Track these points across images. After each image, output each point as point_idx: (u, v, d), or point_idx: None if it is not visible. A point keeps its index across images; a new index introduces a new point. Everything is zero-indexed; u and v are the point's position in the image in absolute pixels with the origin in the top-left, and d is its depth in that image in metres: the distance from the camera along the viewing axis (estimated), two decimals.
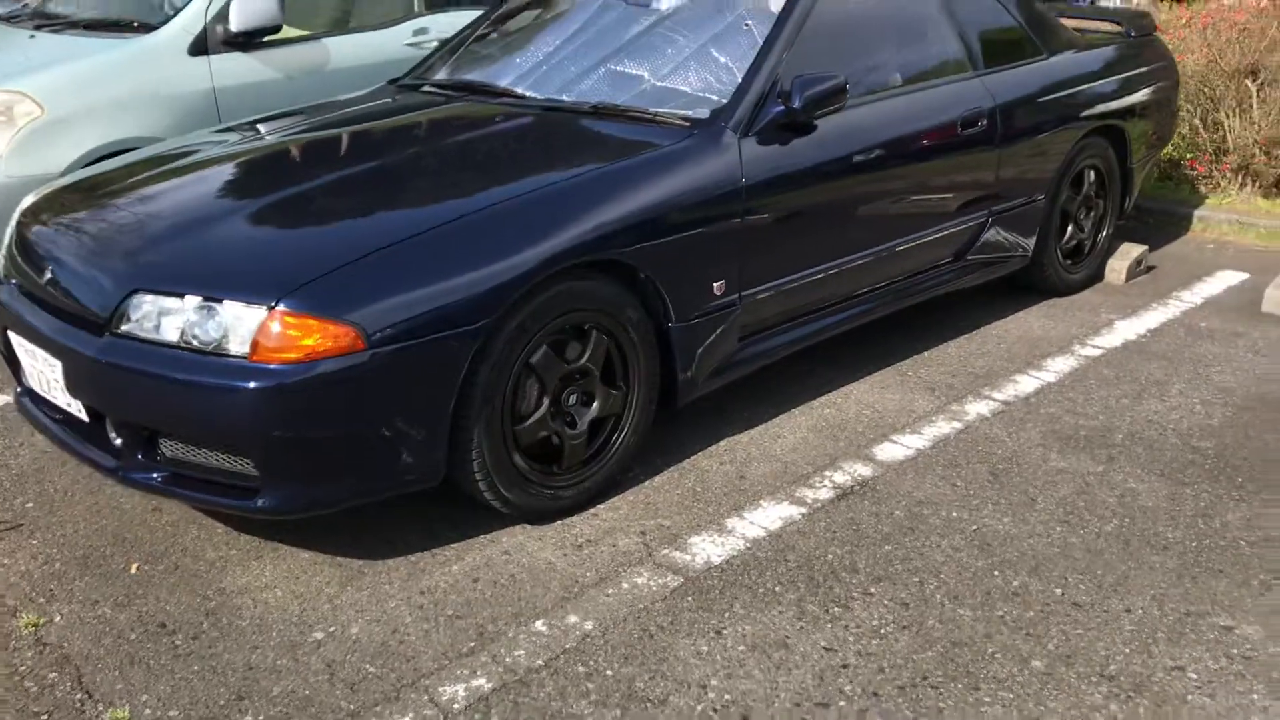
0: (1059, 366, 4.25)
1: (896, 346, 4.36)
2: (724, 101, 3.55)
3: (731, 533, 3.13)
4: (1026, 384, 4.09)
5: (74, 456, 3.10)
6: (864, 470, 3.47)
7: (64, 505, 3.31)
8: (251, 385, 2.63)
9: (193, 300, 2.73)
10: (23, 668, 2.62)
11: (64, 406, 3.03)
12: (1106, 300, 4.97)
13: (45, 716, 2.45)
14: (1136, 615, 2.77)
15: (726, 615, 2.77)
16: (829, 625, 2.73)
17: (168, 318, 2.75)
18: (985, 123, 4.25)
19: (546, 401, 3.08)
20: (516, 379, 2.99)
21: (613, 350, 3.21)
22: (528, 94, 3.84)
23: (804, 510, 3.24)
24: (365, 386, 2.71)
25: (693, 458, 3.55)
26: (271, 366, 2.63)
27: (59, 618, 2.80)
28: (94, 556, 3.05)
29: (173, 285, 2.77)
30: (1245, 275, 5.30)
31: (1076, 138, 4.73)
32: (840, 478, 3.42)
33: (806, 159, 3.61)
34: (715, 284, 3.40)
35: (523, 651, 2.65)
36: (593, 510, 3.25)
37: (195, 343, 2.70)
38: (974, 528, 3.15)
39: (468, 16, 5.48)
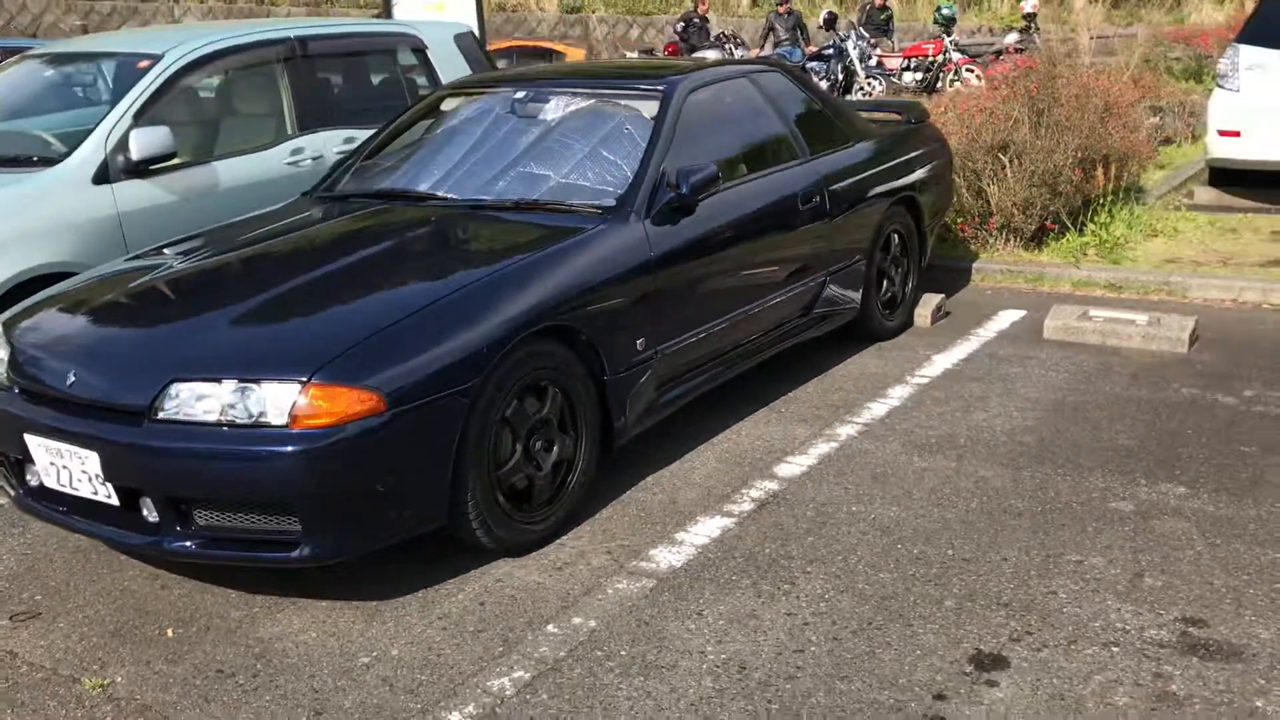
0: (899, 394, 5.09)
1: (765, 390, 5.10)
2: (622, 191, 4.24)
3: (682, 544, 3.74)
4: (878, 409, 4.91)
5: (96, 538, 3.44)
6: (771, 485, 4.16)
7: (72, 593, 3.59)
8: (294, 449, 3.09)
9: (230, 383, 3.17)
10: (110, 716, 2.94)
11: (88, 496, 3.37)
12: (920, 340, 5.90)
13: None
14: (1011, 562, 3.54)
15: (700, 601, 3.38)
16: (784, 598, 3.38)
17: (206, 400, 3.17)
18: (818, 199, 5.11)
19: (519, 449, 3.63)
20: (496, 430, 3.53)
21: (564, 403, 3.80)
22: (450, 196, 4.43)
23: (734, 520, 3.89)
24: (386, 442, 3.21)
25: (629, 492, 4.15)
26: (310, 431, 3.10)
27: (120, 678, 3.12)
28: (125, 629, 3.37)
29: (209, 373, 3.20)
30: (1023, 312, 6.36)
31: (884, 208, 5.67)
32: (755, 493, 4.10)
33: (694, 234, 4.34)
34: (637, 341, 4.05)
35: (545, 648, 3.17)
36: (559, 540, 3.80)
37: (237, 419, 3.14)
38: (871, 516, 3.88)
39: (337, 135, 6.04)
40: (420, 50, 6.77)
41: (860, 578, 3.48)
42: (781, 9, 19.60)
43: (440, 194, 4.46)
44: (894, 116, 6.50)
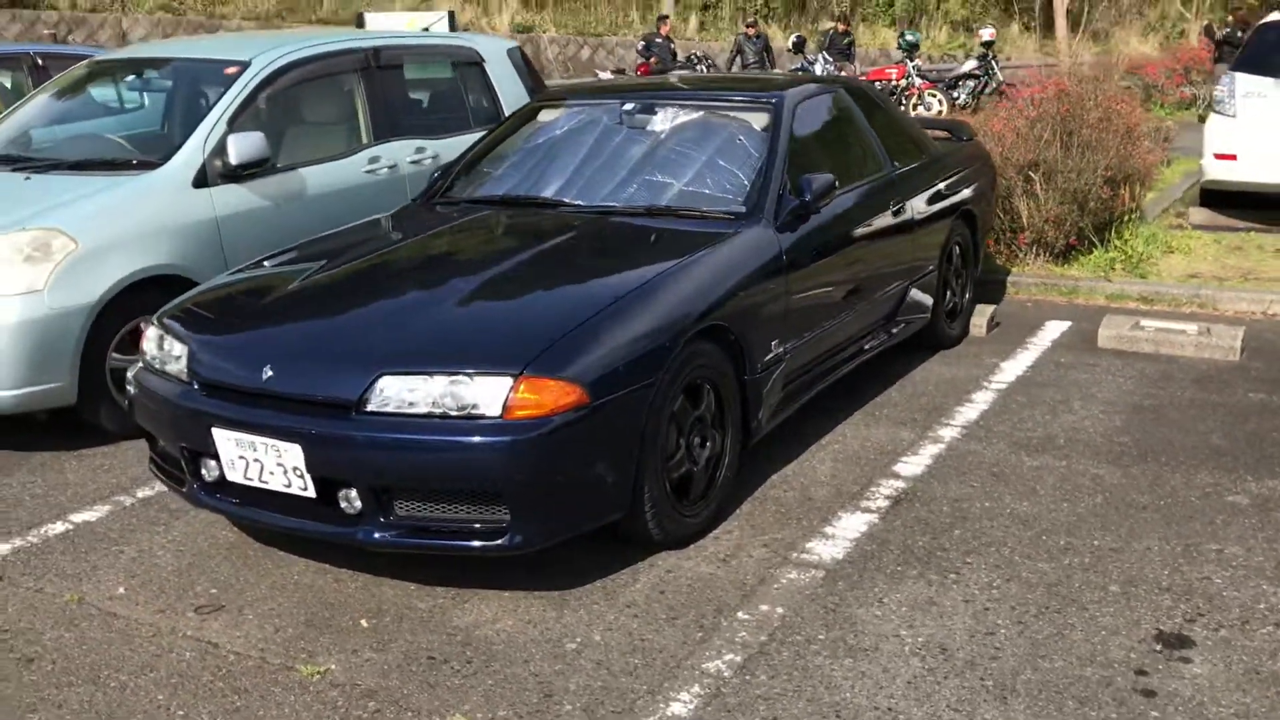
0: (983, 398, 5.29)
1: (853, 395, 5.27)
2: (752, 198, 4.39)
3: (834, 537, 3.88)
4: (970, 412, 5.10)
5: (281, 529, 3.50)
6: (898, 484, 4.32)
7: (245, 587, 3.62)
8: (509, 440, 3.18)
9: (441, 378, 3.25)
10: (340, 701, 3.00)
11: (279, 488, 3.42)
12: (980, 349, 6.11)
13: None
14: (1156, 551, 3.74)
15: (876, 590, 3.52)
16: (954, 586, 3.54)
17: (416, 393, 3.26)
18: (904, 209, 5.31)
19: (683, 444, 3.75)
20: (666, 425, 3.65)
21: (714, 401, 3.93)
22: (578, 202, 4.54)
23: (876, 516, 4.04)
24: (587, 434, 3.31)
25: (760, 489, 4.28)
26: (522, 422, 3.20)
27: (334, 665, 3.17)
28: (317, 620, 3.42)
29: (419, 367, 3.28)
30: (1069, 323, 6.62)
31: (950, 220, 5.89)
32: (885, 490, 4.26)
33: (813, 239, 4.50)
34: (772, 341, 4.20)
35: (744, 633, 3.29)
36: (712, 534, 3.92)
37: (450, 411, 3.22)
38: (1006, 511, 4.06)
39: (409, 145, 6.13)
40: (478, 64, 6.87)
41: (1020, 567, 3.64)
42: (750, 31, 19.99)
43: (568, 200, 4.57)
44: (943, 134, 6.74)
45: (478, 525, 3.31)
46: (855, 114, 5.40)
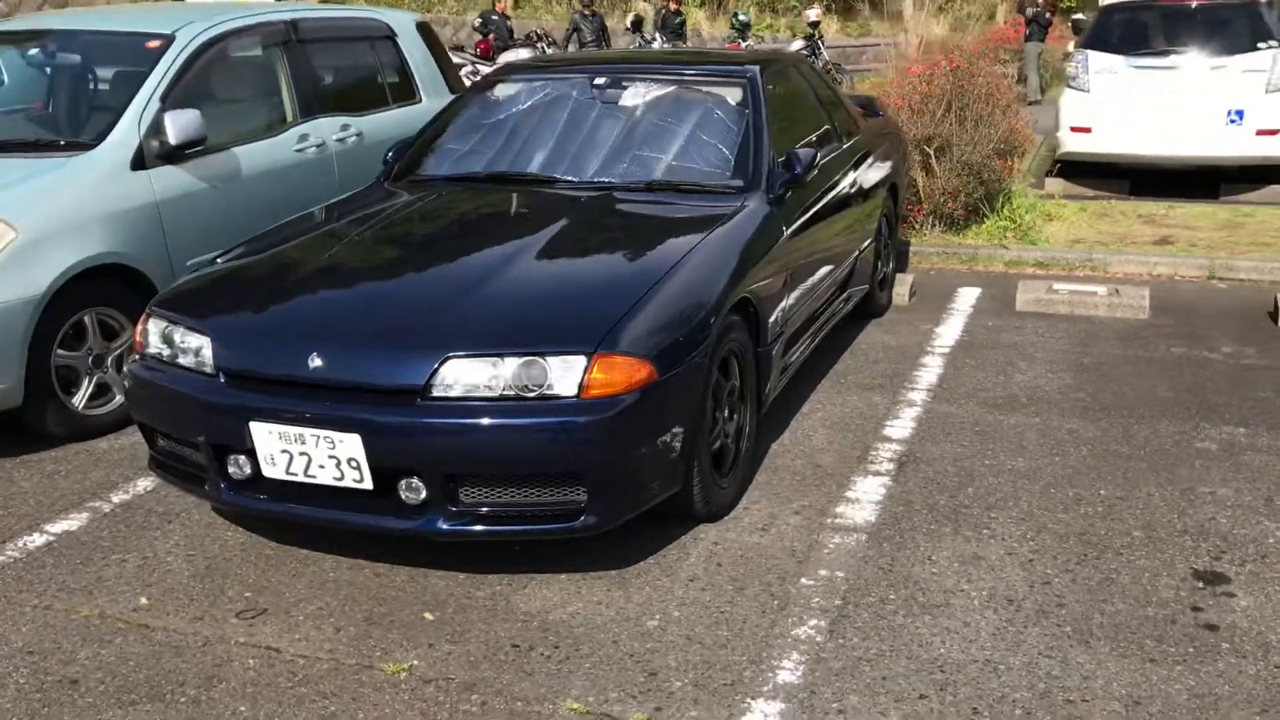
0: (934, 363, 5.49)
1: (814, 367, 5.37)
2: (746, 173, 4.41)
3: (859, 501, 3.97)
4: (928, 376, 5.29)
5: (330, 524, 3.35)
6: (895, 447, 4.45)
7: (284, 588, 3.44)
8: (587, 419, 3.12)
9: (511, 360, 3.16)
10: (440, 697, 2.89)
11: (328, 482, 3.25)
12: (911, 317, 6.33)
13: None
14: (1157, 497, 3.98)
15: (921, 549, 3.62)
16: (991, 540, 3.68)
17: (486, 377, 3.15)
18: (856, 181, 5.44)
19: (719, 416, 3.76)
20: (709, 398, 3.65)
21: (739, 373, 3.95)
22: (569, 178, 4.46)
23: (889, 478, 4.15)
24: (655, 409, 3.28)
25: (767, 459, 4.33)
26: (598, 401, 3.14)
27: (416, 661, 3.05)
28: (376, 617, 3.27)
29: (488, 349, 3.18)
30: (979, 289, 6.92)
31: (883, 192, 6.07)
32: (885, 454, 4.37)
33: (799, 211, 4.56)
34: (777, 311, 4.24)
35: (818, 598, 3.33)
36: (742, 505, 3.94)
37: (524, 393, 3.14)
38: (1007, 468, 4.24)
39: (335, 122, 5.89)
40: (390, 38, 6.64)
41: (1042, 519, 3.82)
42: (586, 11, 19.93)
43: (562, 176, 4.48)
44: (857, 109, 6.91)
45: (553, 508, 3.23)
46: (807, 88, 5.49)
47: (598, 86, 4.88)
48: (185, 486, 3.60)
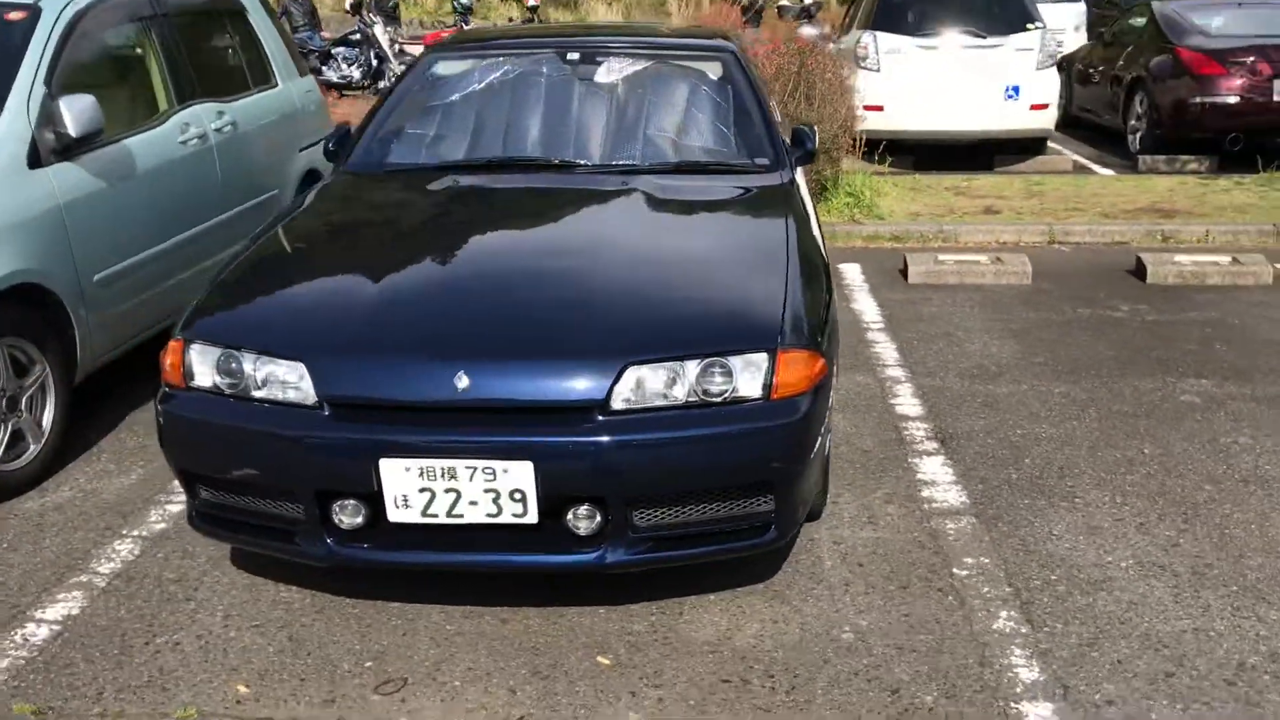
0: (881, 338, 5.49)
1: None
2: (759, 151, 4.19)
3: (936, 484, 3.88)
4: (886, 353, 5.27)
5: (485, 569, 2.89)
6: (922, 425, 4.38)
7: (409, 650, 2.92)
8: (777, 423, 2.83)
9: (692, 362, 2.81)
10: None
11: (480, 520, 2.78)
12: None
13: None
14: (1194, 451, 4.12)
15: (1036, 527, 3.57)
16: (1090, 509, 3.68)
17: (667, 384, 2.79)
18: None
19: None
20: None
21: None
22: (582, 161, 4.07)
23: (944, 457, 4.08)
24: (826, 404, 3.04)
25: None
26: (785, 402, 2.85)
27: (634, 714, 2.66)
28: (551, 669, 2.85)
29: (668, 352, 2.81)
30: (856, 264, 7.00)
31: None
32: (918, 432, 4.30)
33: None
34: None
35: (987, 589, 3.20)
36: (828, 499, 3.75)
37: (710, 399, 2.80)
38: (1041, 435, 4.27)
39: (210, 110, 5.16)
40: (241, 14, 5.87)
41: (1117, 483, 3.86)
42: None
43: (575, 160, 4.07)
44: None
45: (738, 523, 2.91)
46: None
47: (571, 63, 4.49)
48: (260, 544, 2.99)
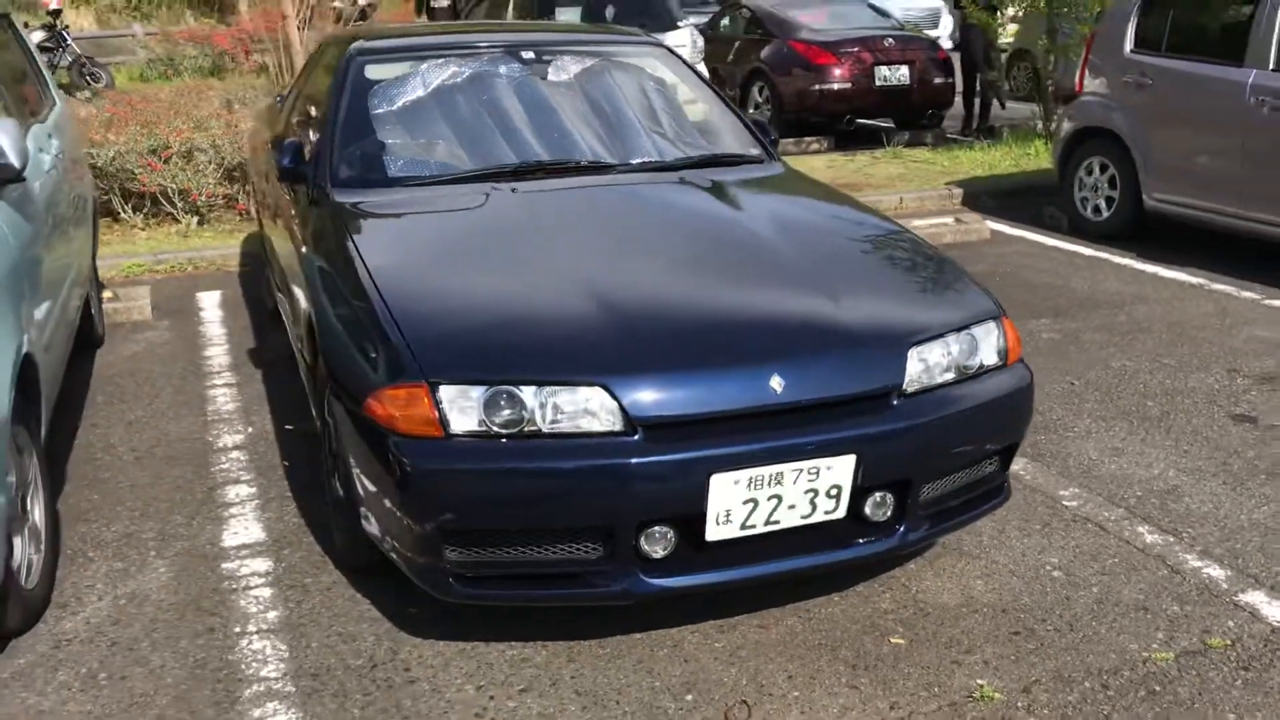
0: None
1: None
2: (758, 138, 4.38)
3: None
4: None
5: (794, 574, 2.88)
6: None
7: (704, 670, 2.79)
8: (1022, 386, 3.11)
9: (952, 336, 2.96)
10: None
11: (798, 522, 2.75)
12: None
13: None
14: (1210, 378, 4.71)
15: (1132, 454, 4.05)
16: (1147, 448, 4.20)
17: (941, 359, 2.93)
18: None
19: None
20: None
21: None
22: (609, 160, 3.97)
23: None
24: None
25: None
26: (1017, 365, 3.15)
27: (982, 680, 2.76)
28: (854, 658, 2.85)
29: (937, 332, 2.95)
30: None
31: None
32: None
33: None
34: None
35: (1151, 536, 3.56)
36: None
37: (966, 370, 2.99)
38: (1065, 381, 4.65)
39: (44, 131, 4.36)
40: (12, 26, 4.93)
41: (1168, 420, 4.31)
42: None
43: (598, 160, 3.97)
44: None
45: (981, 487, 3.11)
46: None
47: (526, 61, 4.31)
48: (541, 597, 2.71)
